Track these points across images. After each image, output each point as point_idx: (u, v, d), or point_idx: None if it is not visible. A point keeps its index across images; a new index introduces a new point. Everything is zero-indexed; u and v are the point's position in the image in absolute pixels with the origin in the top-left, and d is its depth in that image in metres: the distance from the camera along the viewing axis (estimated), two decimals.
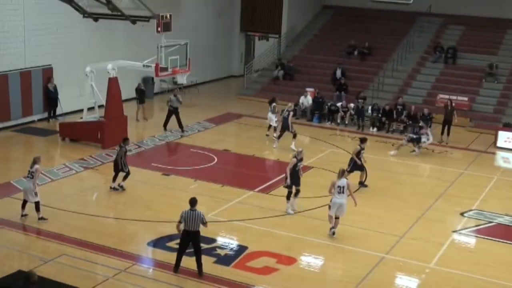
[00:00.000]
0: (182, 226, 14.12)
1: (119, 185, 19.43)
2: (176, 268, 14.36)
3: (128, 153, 19.73)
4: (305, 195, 19.45)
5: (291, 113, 24.59)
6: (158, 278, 14.18)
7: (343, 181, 16.37)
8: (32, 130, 25.90)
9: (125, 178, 19.42)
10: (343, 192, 16.35)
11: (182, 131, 26.27)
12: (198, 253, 14.31)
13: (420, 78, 33.02)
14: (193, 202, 14.07)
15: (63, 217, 17.24)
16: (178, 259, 14.37)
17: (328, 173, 21.69)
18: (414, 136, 24.66)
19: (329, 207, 16.74)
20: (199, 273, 14.26)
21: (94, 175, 21.11)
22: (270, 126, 26.13)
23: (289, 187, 18.01)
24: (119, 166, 19.18)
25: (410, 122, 27.29)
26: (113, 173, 19.38)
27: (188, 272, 14.31)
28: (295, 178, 17.90)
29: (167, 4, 29.72)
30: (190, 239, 14.14)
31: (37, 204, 16.56)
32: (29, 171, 16.52)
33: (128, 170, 19.34)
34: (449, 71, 33.04)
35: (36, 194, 16.45)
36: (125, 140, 19.66)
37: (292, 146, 23.67)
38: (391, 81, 32.83)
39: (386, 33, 36.87)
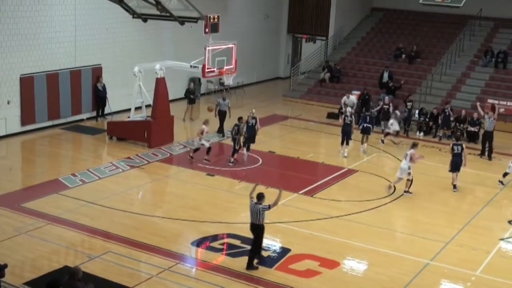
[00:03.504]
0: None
1: (231, 159, 22.44)
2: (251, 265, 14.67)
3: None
4: (349, 199, 19.35)
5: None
6: (201, 277, 14.25)
7: (411, 151, 20.05)
8: (80, 128, 26.31)
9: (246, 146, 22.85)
10: (406, 159, 19.92)
11: (222, 136, 26.20)
12: (252, 247, 14.63)
13: (470, 82, 32.44)
14: (259, 196, 14.39)
15: (109, 215, 17.50)
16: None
17: (373, 177, 21.56)
18: (365, 125, 24.79)
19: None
20: (247, 267, 14.51)
21: (140, 174, 21.35)
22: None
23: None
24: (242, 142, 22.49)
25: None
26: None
27: (229, 273, 14.36)
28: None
29: (214, 6, 29.96)
30: (252, 231, 14.58)
31: (209, 149, 22.15)
32: (202, 129, 22.12)
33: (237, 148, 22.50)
34: (499, 75, 32.39)
35: (208, 140, 22.59)
36: (240, 118, 22.89)
37: (345, 153, 23.97)
38: (440, 85, 32.35)
39: (435, 37, 36.41)
